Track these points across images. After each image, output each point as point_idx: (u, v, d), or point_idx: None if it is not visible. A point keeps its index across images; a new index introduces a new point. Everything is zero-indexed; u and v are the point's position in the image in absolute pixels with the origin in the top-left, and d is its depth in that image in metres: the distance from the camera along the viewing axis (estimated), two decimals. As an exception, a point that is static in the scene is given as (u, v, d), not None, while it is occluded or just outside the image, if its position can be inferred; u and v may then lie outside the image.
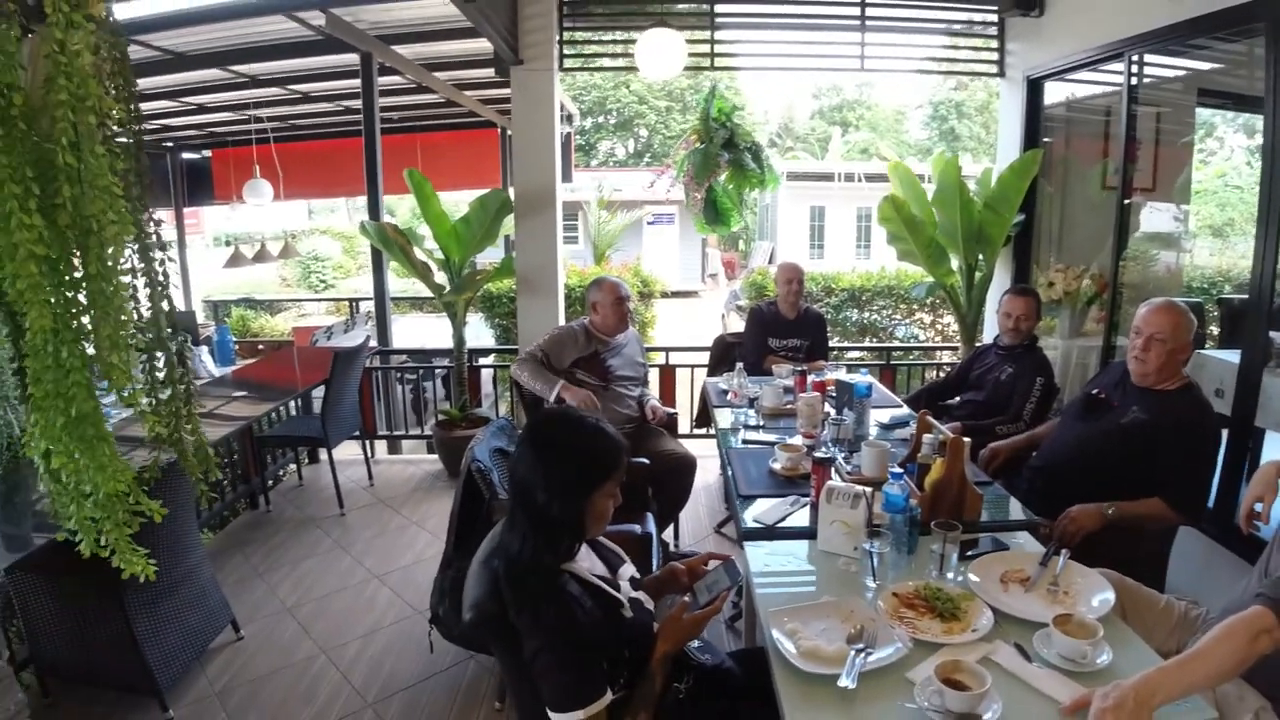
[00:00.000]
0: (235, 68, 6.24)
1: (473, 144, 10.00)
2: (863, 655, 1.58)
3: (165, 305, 1.65)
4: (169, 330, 1.68)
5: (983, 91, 27.97)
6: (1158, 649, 1.72)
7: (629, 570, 1.81)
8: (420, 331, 10.03)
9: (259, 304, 14.29)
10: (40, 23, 1.37)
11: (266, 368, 5.87)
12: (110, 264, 1.44)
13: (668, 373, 5.79)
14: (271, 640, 3.36)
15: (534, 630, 1.49)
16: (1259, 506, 2.11)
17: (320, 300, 16.60)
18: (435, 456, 5.75)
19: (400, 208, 17.93)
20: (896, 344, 8.56)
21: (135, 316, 1.58)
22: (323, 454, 5.62)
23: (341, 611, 3.59)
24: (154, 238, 1.61)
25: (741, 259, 23.94)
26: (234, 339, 9.11)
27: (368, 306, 12.07)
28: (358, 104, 7.39)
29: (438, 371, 7.16)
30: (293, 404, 5.24)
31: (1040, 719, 1.47)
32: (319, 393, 4.99)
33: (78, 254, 1.44)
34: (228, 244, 16.27)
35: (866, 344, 8.66)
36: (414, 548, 4.25)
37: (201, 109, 7.99)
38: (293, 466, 5.46)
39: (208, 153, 10.16)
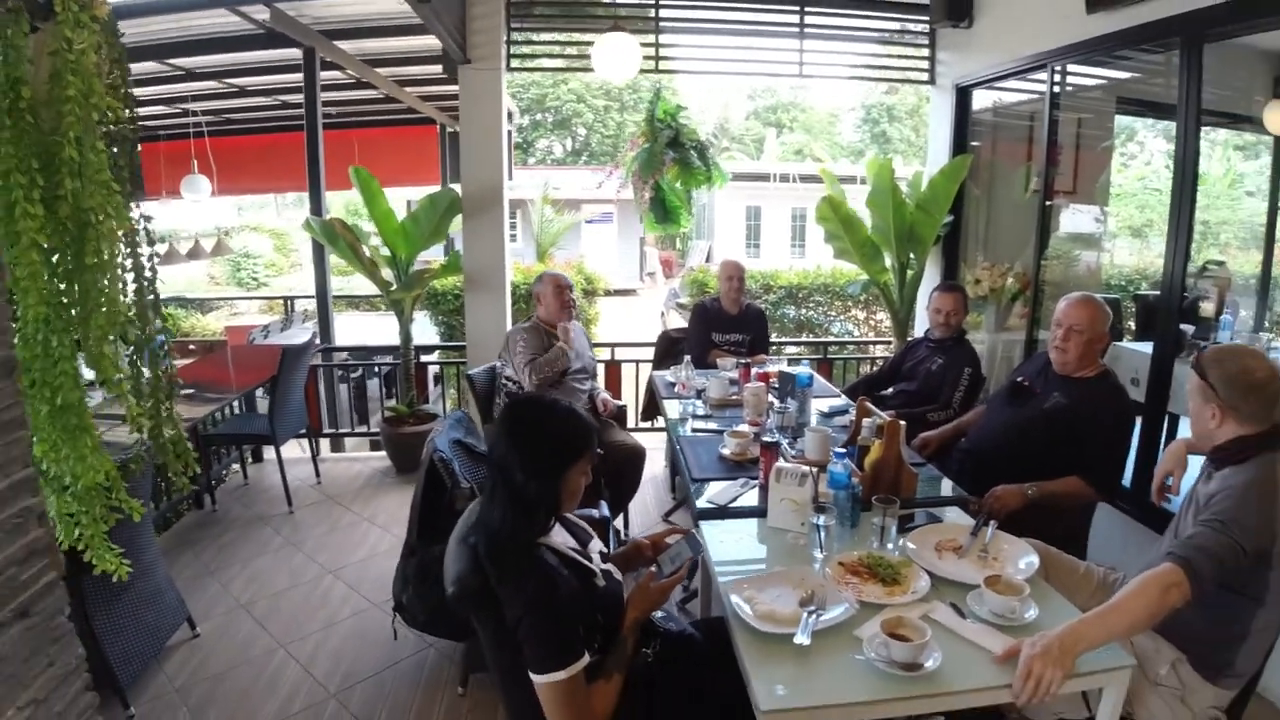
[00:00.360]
0: (172, 61, 6.14)
1: (411, 140, 9.96)
2: (814, 616, 1.72)
3: (151, 298, 1.71)
4: (156, 323, 1.73)
5: (913, 96, 28.76)
6: (1080, 610, 1.90)
7: (597, 545, 1.94)
8: (357, 329, 9.96)
9: (189, 303, 13.94)
10: (45, 20, 1.42)
11: (203, 368, 5.79)
12: (106, 256, 1.49)
13: (613, 368, 5.91)
14: (228, 636, 3.36)
15: (517, 598, 1.60)
16: (1170, 480, 2.34)
17: (254, 299, 16.23)
18: (381, 453, 5.76)
19: (333, 203, 17.64)
20: (832, 338, 8.83)
21: (128, 309, 1.63)
22: (267, 453, 5.59)
23: (297, 607, 3.61)
24: (143, 232, 1.66)
25: (679, 258, 24.19)
26: (164, 339, 8.89)
27: (303, 305, 11.90)
28: (295, 99, 7.32)
29: (379, 369, 7.15)
30: (235, 403, 5.21)
31: (976, 667, 1.64)
32: (259, 391, 4.95)
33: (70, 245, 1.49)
34: (161, 240, 15.77)
35: (804, 339, 8.92)
36: (366, 543, 4.28)
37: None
38: (236, 466, 5.41)
39: (137, 146, 9.87)
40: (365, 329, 10.51)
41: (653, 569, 1.85)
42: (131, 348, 1.73)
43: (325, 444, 6.28)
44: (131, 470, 1.85)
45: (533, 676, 1.59)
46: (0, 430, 1.40)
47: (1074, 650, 1.59)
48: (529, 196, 18.22)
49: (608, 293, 13.59)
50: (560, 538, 1.81)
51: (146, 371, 1.86)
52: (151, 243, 1.70)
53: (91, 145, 1.41)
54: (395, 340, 5.74)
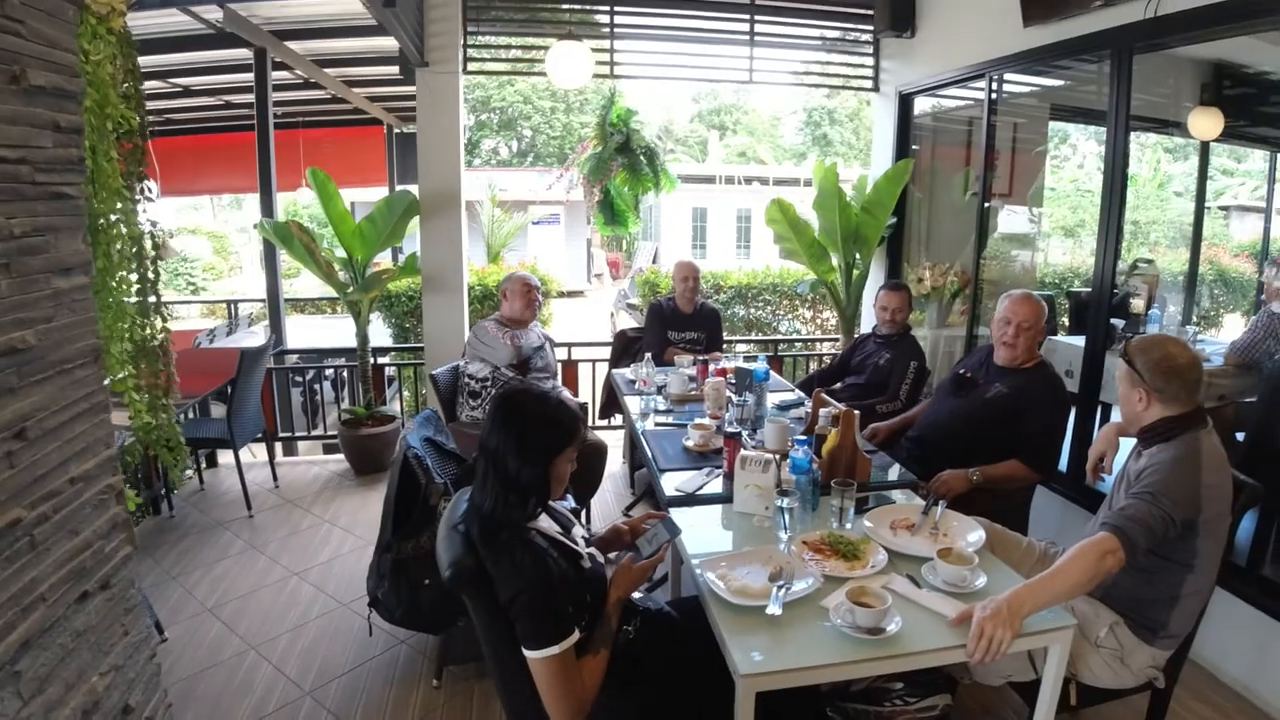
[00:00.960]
0: (118, 62, 6.03)
1: (358, 141, 9.90)
2: (784, 589, 1.85)
3: (152, 299, 1.76)
4: (157, 323, 1.79)
5: (853, 99, 29.37)
6: (1024, 578, 2.06)
7: (580, 530, 2.04)
8: (302, 332, 9.85)
9: (127, 308, 13.53)
10: None
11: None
12: (115, 260, 1.55)
13: (570, 367, 6.00)
14: (197, 640, 3.35)
15: (511, 578, 1.69)
16: (1103, 461, 2.53)
17: (198, 303, 15.87)
18: (338, 456, 5.74)
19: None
20: (781, 336, 9.04)
21: (134, 310, 1.68)
22: (220, 458, 5.54)
23: (264, 609, 3.61)
24: (149, 237, 1.72)
25: (626, 259, 24.34)
26: (164, 338, 8.67)
27: (247, 308, 11.72)
28: (241, 99, 7.23)
29: (327, 372, 7.12)
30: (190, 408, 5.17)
31: (933, 629, 1.78)
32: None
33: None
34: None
35: (754, 337, 9.11)
36: (329, 544, 4.28)
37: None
38: (190, 472, 5.35)
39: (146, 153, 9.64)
40: (311, 332, 10.40)
41: (628, 557, 1.96)
42: (133, 346, 1.78)
43: (278, 448, 6.23)
44: (127, 463, 1.89)
45: (527, 653, 1.68)
46: (89, 413, 1.50)
47: (1021, 612, 1.74)
48: (476, 198, 18.16)
49: (560, 294, 13.68)
50: (546, 523, 1.91)
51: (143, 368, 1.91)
52: (155, 246, 1.76)
53: (105, 153, 1.46)
54: (342, 343, 5.72)
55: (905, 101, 5.52)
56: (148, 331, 1.79)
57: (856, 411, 2.67)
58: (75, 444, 1.46)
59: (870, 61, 5.76)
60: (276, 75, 6.53)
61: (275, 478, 5.26)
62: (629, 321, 11.20)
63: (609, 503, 4.80)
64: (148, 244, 1.74)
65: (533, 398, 1.85)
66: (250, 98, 6.27)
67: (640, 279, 9.98)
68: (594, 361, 6.10)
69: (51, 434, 1.40)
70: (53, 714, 1.36)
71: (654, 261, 20.91)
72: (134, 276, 1.72)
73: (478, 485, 1.82)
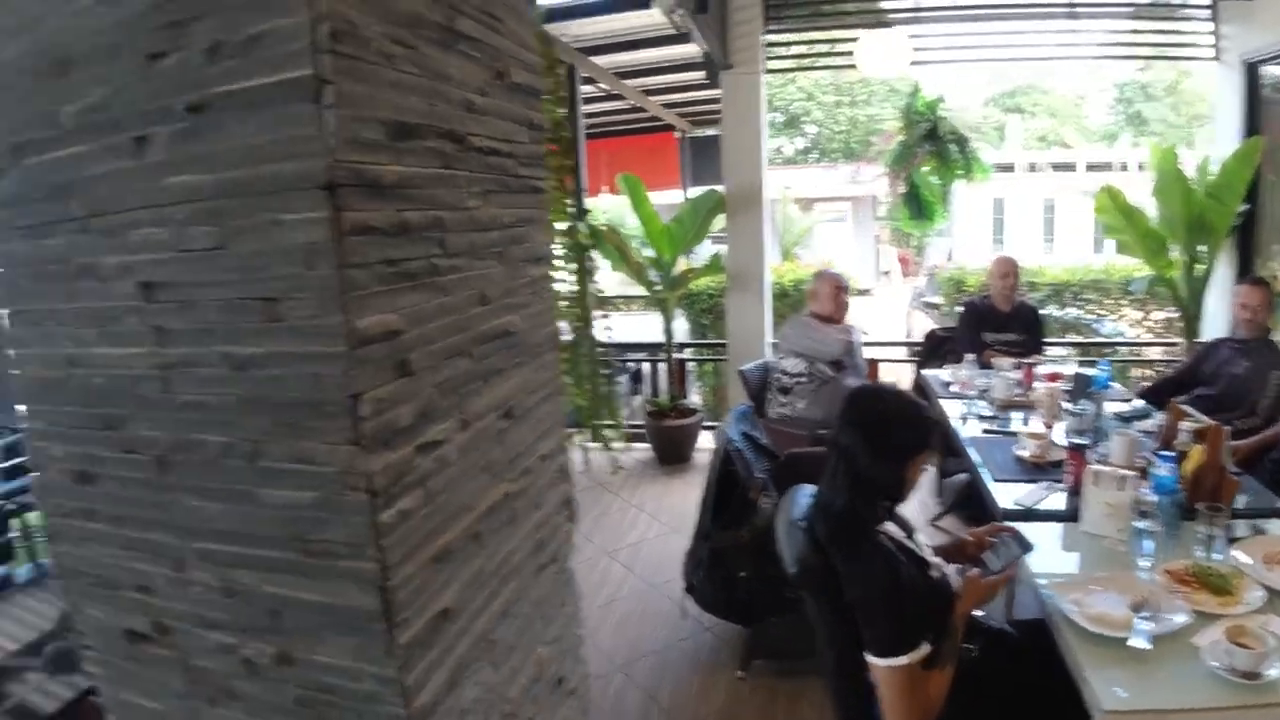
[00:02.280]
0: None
1: (650, 147, 10.40)
2: (1151, 621, 1.68)
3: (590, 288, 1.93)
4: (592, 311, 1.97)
5: (1170, 71, 25.79)
6: None
7: (923, 538, 1.98)
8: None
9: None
10: None
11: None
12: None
13: (871, 367, 5.87)
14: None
15: (862, 579, 1.67)
16: None
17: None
18: (643, 445, 6.01)
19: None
20: (1103, 339, 8.14)
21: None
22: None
23: (579, 583, 3.89)
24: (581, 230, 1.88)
25: (916, 256, 23.26)
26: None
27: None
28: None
29: (628, 366, 7.51)
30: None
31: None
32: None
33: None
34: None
35: (1067, 339, 8.26)
36: (637, 527, 4.52)
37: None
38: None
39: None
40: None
41: (976, 570, 1.86)
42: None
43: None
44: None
45: (874, 660, 1.64)
46: (552, 395, 1.64)
47: None
48: (771, 197, 18.28)
49: (859, 292, 13.42)
50: (892, 527, 1.87)
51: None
52: (594, 236, 1.92)
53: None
54: (636, 338, 5.95)
55: (1252, 71, 4.82)
56: (585, 320, 1.99)
57: (1227, 427, 2.37)
58: (543, 423, 1.58)
59: (1209, 27, 5.11)
60: (582, 90, 6.98)
61: (586, 461, 5.64)
62: (925, 321, 10.72)
63: (912, 512, 4.62)
64: (583, 236, 1.90)
65: (891, 395, 1.84)
66: (561, 111, 6.74)
67: (942, 276, 9.48)
68: (894, 362, 5.92)
69: (528, 414, 1.52)
70: (511, 683, 1.45)
71: (948, 259, 19.78)
72: (573, 267, 1.89)
73: (826, 482, 1.82)
